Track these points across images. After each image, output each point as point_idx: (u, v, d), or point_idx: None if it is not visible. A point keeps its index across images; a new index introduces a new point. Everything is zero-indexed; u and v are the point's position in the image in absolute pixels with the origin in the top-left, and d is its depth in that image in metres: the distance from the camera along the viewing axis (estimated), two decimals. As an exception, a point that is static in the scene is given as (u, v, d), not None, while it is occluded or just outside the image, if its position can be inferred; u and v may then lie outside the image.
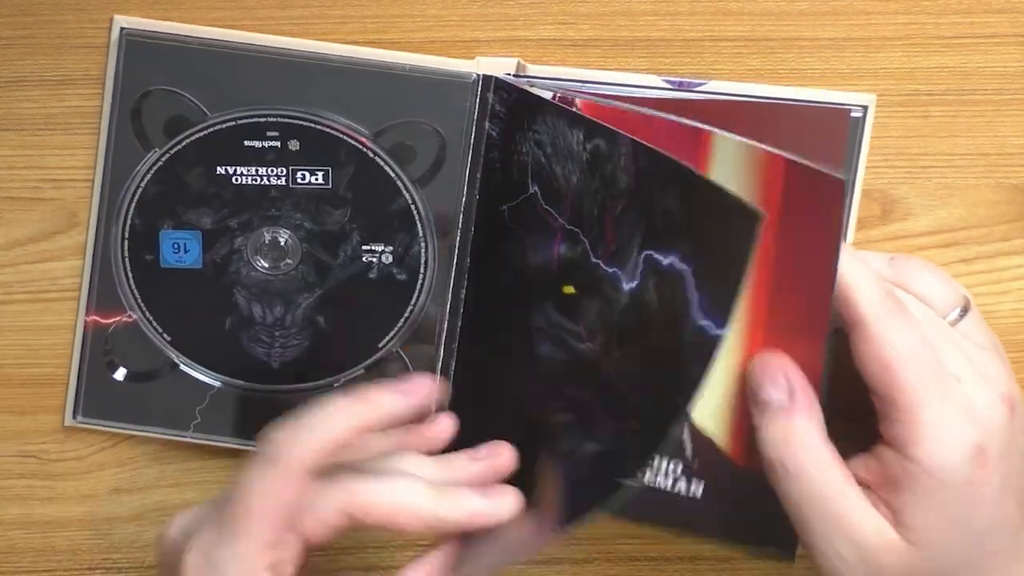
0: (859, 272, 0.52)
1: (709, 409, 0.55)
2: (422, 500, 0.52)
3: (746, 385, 0.54)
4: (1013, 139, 0.60)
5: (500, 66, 0.57)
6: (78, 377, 0.59)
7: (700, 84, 0.58)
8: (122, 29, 0.57)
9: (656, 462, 0.56)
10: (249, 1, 0.57)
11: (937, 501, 0.51)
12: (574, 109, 0.54)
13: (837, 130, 0.58)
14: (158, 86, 0.57)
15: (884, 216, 0.59)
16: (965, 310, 0.55)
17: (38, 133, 0.57)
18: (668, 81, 0.58)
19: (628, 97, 0.57)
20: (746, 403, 0.54)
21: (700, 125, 0.54)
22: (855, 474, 0.53)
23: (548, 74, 0.57)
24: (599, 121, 0.54)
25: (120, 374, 0.59)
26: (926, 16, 0.59)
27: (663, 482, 0.56)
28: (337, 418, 0.52)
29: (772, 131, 0.55)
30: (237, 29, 0.57)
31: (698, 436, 0.55)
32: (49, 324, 0.58)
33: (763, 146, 0.54)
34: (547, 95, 0.55)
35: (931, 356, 0.51)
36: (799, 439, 0.52)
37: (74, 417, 0.59)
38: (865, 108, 0.58)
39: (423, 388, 0.55)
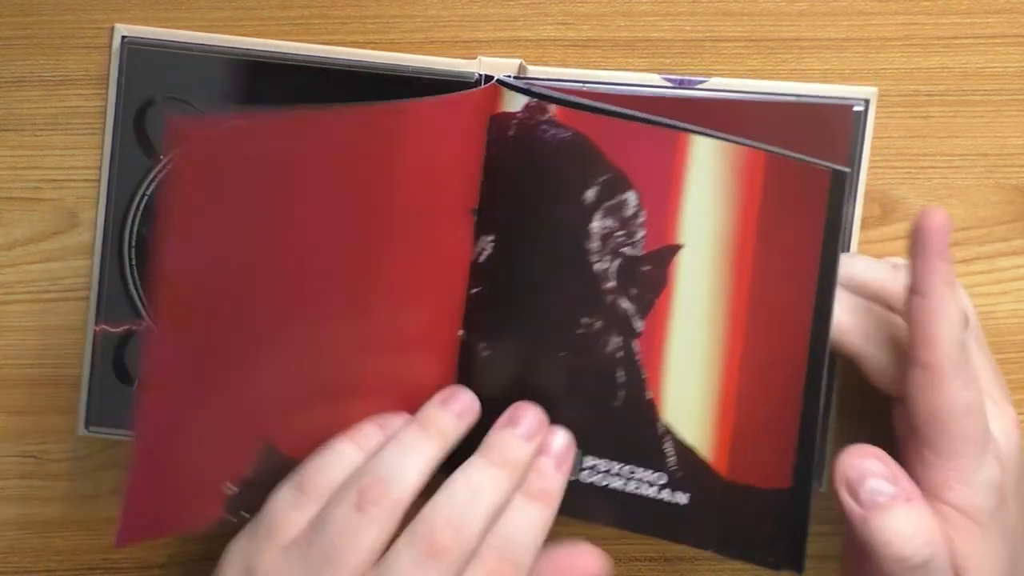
0: (950, 312, 0.50)
1: (689, 418, 0.54)
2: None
3: (836, 481, 0.51)
4: (1013, 139, 0.60)
5: (502, 67, 0.57)
6: (89, 387, 0.58)
7: (701, 81, 0.58)
8: (123, 38, 0.56)
9: (638, 473, 0.54)
10: (250, 1, 0.57)
11: (974, 537, 0.50)
12: (548, 115, 0.53)
13: (841, 126, 0.57)
14: (161, 94, 0.57)
15: (884, 217, 0.59)
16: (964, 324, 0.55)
17: (38, 133, 0.57)
18: (668, 79, 0.58)
19: (620, 96, 0.56)
20: (732, 413, 0.53)
21: (676, 124, 0.53)
22: None
23: (548, 75, 0.57)
24: (571, 127, 0.53)
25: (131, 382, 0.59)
26: (926, 16, 0.59)
27: (647, 491, 0.55)
28: (424, 462, 0.52)
29: (774, 130, 0.55)
30: (238, 29, 0.57)
31: (680, 447, 0.54)
32: (49, 324, 0.58)
33: (742, 141, 0.52)
34: (521, 101, 0.54)
35: (984, 412, 0.51)
36: (928, 523, 0.50)
37: (87, 428, 0.59)
38: (867, 102, 0.58)
39: (472, 406, 0.54)
